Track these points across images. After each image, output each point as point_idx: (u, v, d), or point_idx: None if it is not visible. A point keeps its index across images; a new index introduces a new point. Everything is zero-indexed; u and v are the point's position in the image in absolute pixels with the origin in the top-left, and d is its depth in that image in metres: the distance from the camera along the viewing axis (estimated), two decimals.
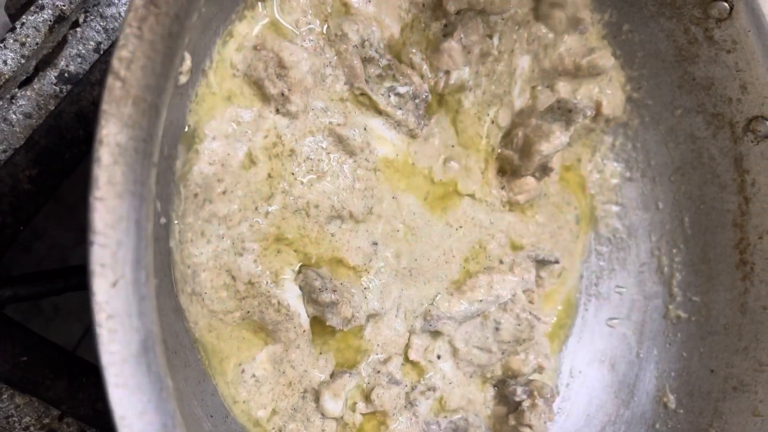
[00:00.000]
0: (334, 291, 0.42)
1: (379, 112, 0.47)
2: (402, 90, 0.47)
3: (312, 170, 0.42)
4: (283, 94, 0.41)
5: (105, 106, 0.25)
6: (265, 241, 0.41)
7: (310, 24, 0.43)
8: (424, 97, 0.48)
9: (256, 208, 0.41)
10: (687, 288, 0.58)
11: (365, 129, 0.46)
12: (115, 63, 0.25)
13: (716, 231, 0.56)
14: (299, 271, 0.43)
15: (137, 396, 0.25)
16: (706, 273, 0.57)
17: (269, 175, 0.41)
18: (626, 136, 0.60)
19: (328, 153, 0.43)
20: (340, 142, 0.44)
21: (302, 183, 0.42)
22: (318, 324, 0.44)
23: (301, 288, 0.43)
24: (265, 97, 0.41)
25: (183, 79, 0.34)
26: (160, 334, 0.27)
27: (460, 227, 0.51)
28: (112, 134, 0.25)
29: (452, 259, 0.50)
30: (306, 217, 0.42)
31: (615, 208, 0.61)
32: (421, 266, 0.49)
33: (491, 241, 0.53)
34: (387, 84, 0.47)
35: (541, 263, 0.55)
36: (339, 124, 0.44)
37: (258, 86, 0.41)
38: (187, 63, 0.34)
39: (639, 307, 0.60)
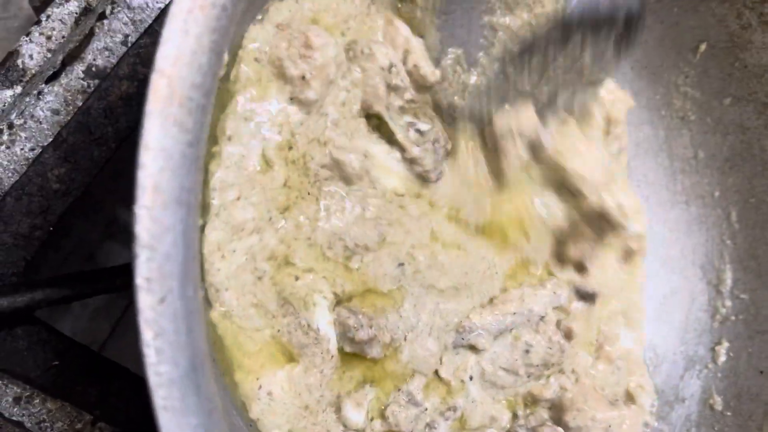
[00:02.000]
0: (370, 326, 0.40)
1: (392, 142, 0.44)
2: (423, 128, 0.45)
3: (327, 208, 0.40)
4: (303, 78, 0.38)
5: (150, 107, 0.23)
6: (273, 260, 0.39)
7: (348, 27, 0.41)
8: (443, 143, 0.46)
9: (270, 219, 0.39)
10: (734, 285, 0.56)
11: (365, 156, 0.42)
12: (160, 60, 0.23)
13: (765, 226, 0.54)
14: (333, 307, 0.41)
15: (186, 419, 0.24)
16: (754, 270, 0.55)
17: (286, 184, 0.39)
18: (670, 127, 0.58)
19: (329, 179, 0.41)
20: (337, 166, 0.41)
21: (318, 220, 0.40)
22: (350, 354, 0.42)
23: (335, 325, 0.41)
24: (283, 79, 0.38)
25: (220, 72, 0.33)
26: (208, 350, 0.26)
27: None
28: (158, 138, 0.23)
29: (495, 276, 0.48)
30: (325, 258, 0.40)
31: None
32: (460, 281, 0.47)
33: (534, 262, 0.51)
34: (408, 118, 0.44)
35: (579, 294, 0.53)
36: (339, 147, 0.41)
37: (278, 67, 0.38)
38: (225, 56, 0.32)
39: (684, 306, 0.58)
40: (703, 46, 0.53)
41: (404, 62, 0.44)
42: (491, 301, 0.48)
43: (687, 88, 0.55)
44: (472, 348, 0.48)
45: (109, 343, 0.68)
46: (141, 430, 0.45)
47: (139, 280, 0.23)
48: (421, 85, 0.45)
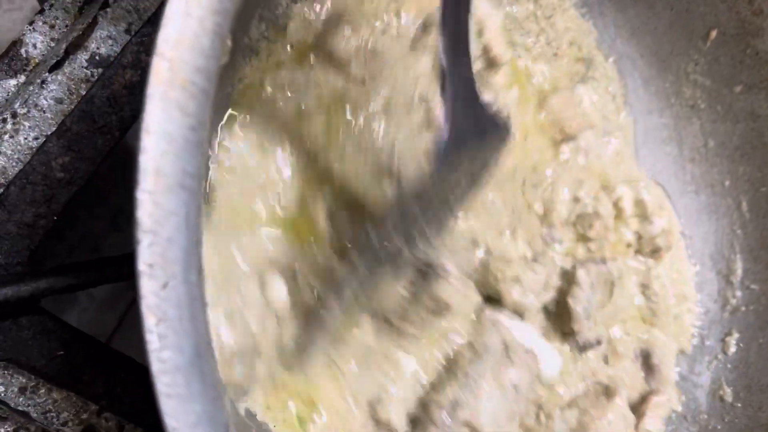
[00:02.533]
0: None
1: None
2: None
3: None
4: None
5: (150, 90, 0.23)
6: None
7: None
8: None
9: None
10: (745, 275, 0.55)
11: None
12: (161, 43, 0.23)
13: None
14: None
15: (190, 406, 0.24)
16: (765, 260, 0.54)
17: None
18: (678, 116, 0.57)
19: None
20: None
21: None
22: None
23: None
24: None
25: (223, 59, 0.32)
26: (211, 337, 0.25)
27: None
28: (159, 121, 0.23)
29: None
30: None
31: None
32: None
33: None
34: None
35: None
36: None
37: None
38: (228, 41, 0.31)
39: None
40: (713, 33, 0.52)
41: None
42: None
43: (697, 76, 0.55)
44: None
45: (117, 335, 0.68)
46: (147, 421, 0.44)
47: (142, 265, 0.23)
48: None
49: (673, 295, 0.54)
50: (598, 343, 0.49)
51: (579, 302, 0.46)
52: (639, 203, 0.52)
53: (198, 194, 0.25)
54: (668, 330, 0.53)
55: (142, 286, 0.23)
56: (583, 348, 0.48)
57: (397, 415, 0.41)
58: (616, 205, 0.51)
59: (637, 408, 0.50)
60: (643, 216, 0.52)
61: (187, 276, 0.24)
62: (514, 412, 0.43)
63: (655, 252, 0.52)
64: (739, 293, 0.55)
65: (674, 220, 0.55)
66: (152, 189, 0.23)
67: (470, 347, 0.44)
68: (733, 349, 0.54)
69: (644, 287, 0.52)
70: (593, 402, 0.47)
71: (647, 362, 0.51)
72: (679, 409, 0.53)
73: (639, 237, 0.52)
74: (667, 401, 0.51)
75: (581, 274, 0.47)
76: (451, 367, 0.43)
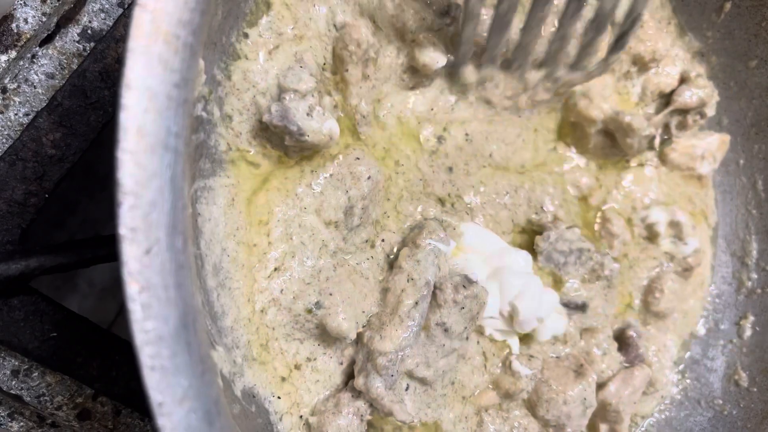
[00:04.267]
0: None
1: None
2: None
3: None
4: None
5: (132, 44, 0.22)
6: None
7: None
8: None
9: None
10: (760, 257, 0.53)
11: None
12: None
13: None
14: None
15: (176, 379, 0.22)
16: None
17: None
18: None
19: None
20: None
21: None
22: None
23: None
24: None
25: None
26: (201, 307, 0.24)
27: None
28: (141, 77, 0.22)
29: None
30: None
31: None
32: None
33: None
34: None
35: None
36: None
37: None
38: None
39: (706, 278, 0.55)
40: (728, 5, 0.50)
41: None
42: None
43: (710, 50, 0.53)
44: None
45: (117, 323, 0.67)
46: (144, 405, 0.43)
47: (123, 230, 0.21)
48: None
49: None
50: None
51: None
52: (674, 225, 0.50)
53: (183, 155, 0.23)
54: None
55: (124, 251, 0.21)
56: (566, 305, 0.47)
57: None
58: (651, 228, 0.50)
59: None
60: (678, 237, 0.50)
61: (173, 242, 0.22)
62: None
63: (687, 270, 0.51)
64: (754, 275, 0.53)
65: (705, 236, 0.54)
66: (133, 148, 0.21)
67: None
68: (748, 332, 0.52)
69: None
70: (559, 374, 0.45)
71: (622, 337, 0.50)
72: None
73: (671, 257, 0.51)
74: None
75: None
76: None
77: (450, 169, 0.44)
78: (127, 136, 0.21)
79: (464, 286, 0.40)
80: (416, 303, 0.39)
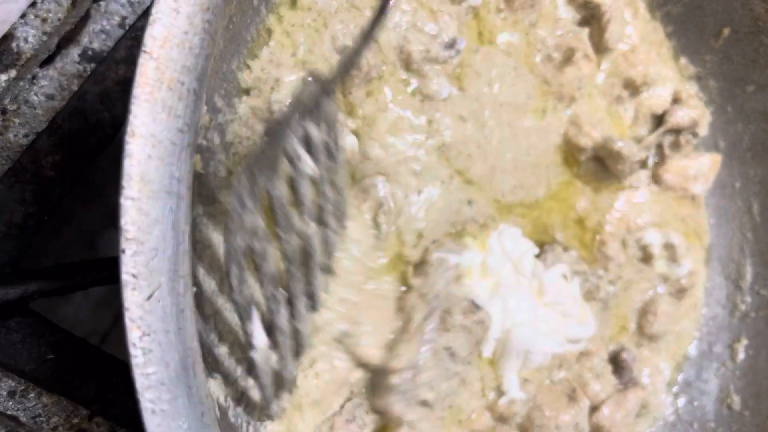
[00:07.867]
0: None
1: None
2: None
3: None
4: None
5: (136, 91, 0.22)
6: None
7: None
8: None
9: None
10: (755, 280, 0.54)
11: None
12: (148, 41, 0.22)
13: None
14: None
15: (176, 422, 0.22)
16: None
17: None
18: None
19: None
20: None
21: None
22: None
23: None
24: None
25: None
26: (199, 350, 0.24)
27: None
28: (145, 124, 0.22)
29: None
30: None
31: None
32: None
33: None
34: None
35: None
36: None
37: None
38: (220, 39, 0.30)
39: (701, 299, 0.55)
40: (726, 31, 0.51)
41: None
42: None
43: (709, 74, 0.53)
44: None
45: (112, 334, 0.67)
46: (139, 426, 0.43)
47: (125, 276, 0.21)
48: None
49: None
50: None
51: None
52: (668, 247, 0.51)
53: (186, 199, 0.23)
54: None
55: (126, 297, 0.21)
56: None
57: None
58: (645, 249, 0.50)
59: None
60: (672, 259, 0.51)
61: (174, 287, 0.23)
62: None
63: (681, 292, 0.51)
64: (748, 298, 0.54)
65: (698, 257, 0.54)
66: (137, 195, 0.21)
67: None
68: (741, 355, 0.53)
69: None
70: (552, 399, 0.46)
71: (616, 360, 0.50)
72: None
73: (665, 279, 0.51)
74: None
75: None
76: None
77: None
78: (131, 184, 0.21)
79: (472, 312, 0.41)
80: (425, 317, 0.40)
